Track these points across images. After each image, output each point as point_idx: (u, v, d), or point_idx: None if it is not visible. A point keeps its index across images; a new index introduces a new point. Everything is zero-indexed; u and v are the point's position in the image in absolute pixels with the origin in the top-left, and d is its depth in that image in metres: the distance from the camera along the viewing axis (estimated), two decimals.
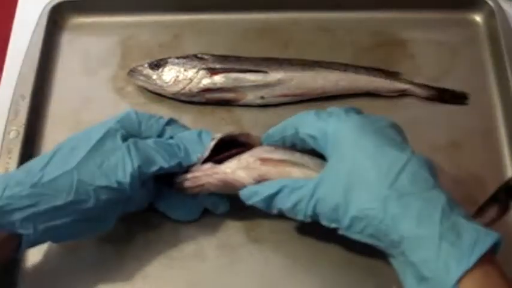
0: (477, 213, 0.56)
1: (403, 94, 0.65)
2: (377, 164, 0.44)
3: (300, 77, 0.64)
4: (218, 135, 0.52)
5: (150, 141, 0.51)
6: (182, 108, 0.65)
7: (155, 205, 0.55)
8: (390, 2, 0.71)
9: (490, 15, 0.69)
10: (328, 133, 0.47)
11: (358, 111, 0.51)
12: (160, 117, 0.54)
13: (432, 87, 0.65)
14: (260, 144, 0.53)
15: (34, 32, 0.68)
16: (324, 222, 0.47)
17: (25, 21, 0.70)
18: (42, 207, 0.46)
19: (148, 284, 0.54)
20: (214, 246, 0.56)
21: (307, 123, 0.50)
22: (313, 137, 0.49)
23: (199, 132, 0.53)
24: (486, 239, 0.40)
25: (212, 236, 0.56)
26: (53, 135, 0.63)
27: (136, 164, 0.48)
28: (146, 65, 0.64)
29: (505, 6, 0.69)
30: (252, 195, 0.50)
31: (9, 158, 0.59)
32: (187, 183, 0.52)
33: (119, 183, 0.47)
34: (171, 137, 0.53)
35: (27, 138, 0.61)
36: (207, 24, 0.71)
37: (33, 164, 0.48)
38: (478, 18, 0.71)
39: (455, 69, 0.67)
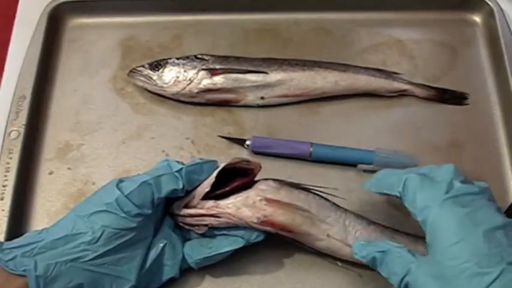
0: None
1: (402, 94, 0.65)
2: (465, 274, 0.42)
3: (299, 77, 0.64)
4: (219, 166, 0.52)
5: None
6: (182, 109, 0.65)
7: None
8: (390, 3, 0.71)
9: (489, 15, 0.69)
10: (433, 224, 0.45)
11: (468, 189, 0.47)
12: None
13: (432, 88, 0.65)
14: (260, 168, 0.53)
15: (35, 32, 0.68)
16: None
17: (26, 22, 0.70)
18: None
19: None
20: None
21: (413, 195, 0.47)
22: (415, 215, 0.47)
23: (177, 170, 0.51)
24: None
25: None
26: (53, 136, 0.64)
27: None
28: (146, 66, 0.64)
29: (504, 6, 0.69)
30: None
31: (10, 158, 0.59)
32: (190, 221, 0.52)
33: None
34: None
35: (27, 138, 0.61)
36: (207, 24, 0.71)
37: None
38: (477, 18, 0.71)
39: (455, 69, 0.67)
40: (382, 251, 0.48)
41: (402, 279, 0.46)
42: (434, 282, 0.43)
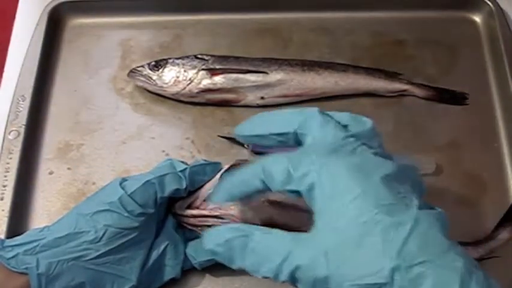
0: (490, 237, 0.55)
1: (402, 94, 0.65)
2: (378, 228, 0.36)
3: (299, 77, 0.64)
4: (223, 168, 0.52)
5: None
6: (182, 109, 0.65)
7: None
8: (390, 2, 0.71)
9: (490, 15, 0.69)
10: (314, 182, 0.39)
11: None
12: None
13: (432, 87, 0.65)
14: None
15: (34, 32, 0.68)
16: None
17: (25, 22, 0.70)
18: None
19: None
20: None
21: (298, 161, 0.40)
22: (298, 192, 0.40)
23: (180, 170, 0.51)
24: None
25: None
26: (53, 136, 0.64)
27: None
28: (146, 66, 0.64)
29: (504, 6, 0.69)
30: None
31: (10, 158, 0.59)
32: (193, 221, 0.52)
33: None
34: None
35: (27, 138, 0.61)
36: (207, 24, 0.71)
37: None
38: (477, 18, 0.71)
39: (455, 69, 0.67)
40: (243, 236, 0.40)
41: (284, 261, 0.38)
42: (332, 254, 0.36)
